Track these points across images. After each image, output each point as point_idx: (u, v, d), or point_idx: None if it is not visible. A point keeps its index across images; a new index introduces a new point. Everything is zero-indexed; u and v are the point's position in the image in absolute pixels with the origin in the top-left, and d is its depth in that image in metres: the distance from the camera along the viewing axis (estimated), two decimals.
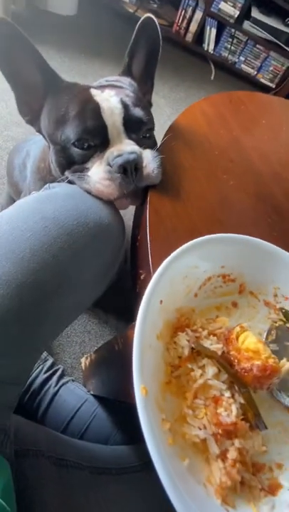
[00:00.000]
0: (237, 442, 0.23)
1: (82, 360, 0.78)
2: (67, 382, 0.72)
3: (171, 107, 1.61)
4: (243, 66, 2.09)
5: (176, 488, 0.18)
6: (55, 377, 0.73)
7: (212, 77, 2.04)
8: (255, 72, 2.08)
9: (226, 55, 2.06)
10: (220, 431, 0.23)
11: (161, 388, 0.24)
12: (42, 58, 0.40)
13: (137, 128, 0.40)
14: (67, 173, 0.41)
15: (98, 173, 0.38)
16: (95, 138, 0.38)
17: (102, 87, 0.40)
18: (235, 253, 0.34)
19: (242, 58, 2.06)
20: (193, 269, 0.31)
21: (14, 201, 0.82)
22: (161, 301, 0.27)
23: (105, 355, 0.52)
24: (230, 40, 2.01)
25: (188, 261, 0.30)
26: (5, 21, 0.35)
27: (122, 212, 0.43)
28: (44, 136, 0.44)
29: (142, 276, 0.36)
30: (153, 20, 0.42)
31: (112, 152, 0.38)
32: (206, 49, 2.02)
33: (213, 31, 1.95)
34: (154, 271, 0.35)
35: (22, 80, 0.41)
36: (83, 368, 0.76)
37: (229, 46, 2.03)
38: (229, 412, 0.24)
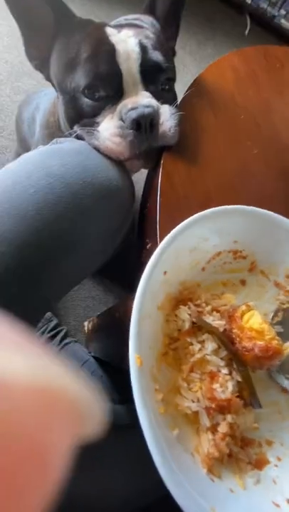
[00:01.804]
0: (229, 417, 0.23)
1: (85, 323, 0.80)
2: (69, 342, 0.75)
3: (198, 65, 1.47)
4: (282, 21, 1.84)
5: (163, 454, 0.18)
6: (58, 338, 0.75)
7: (246, 33, 1.83)
8: None
9: (265, 6, 1.81)
10: (213, 405, 0.23)
11: (157, 358, 0.24)
12: None
13: (155, 77, 0.35)
14: (76, 127, 0.38)
15: (109, 129, 0.34)
16: (108, 86, 0.34)
17: (119, 27, 0.35)
18: (251, 228, 0.31)
19: (283, 12, 1.81)
20: (203, 242, 0.29)
21: None
22: (165, 272, 0.25)
23: (107, 321, 0.52)
24: None
25: (199, 232, 0.28)
26: None
27: (134, 179, 0.40)
28: (53, 85, 0.40)
29: (148, 246, 0.35)
30: None
31: (125, 105, 0.34)
32: None
33: None
34: (161, 241, 0.33)
35: (30, 17, 0.36)
36: (86, 330, 0.78)
37: None
38: (224, 388, 0.23)
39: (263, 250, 0.33)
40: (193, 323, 0.25)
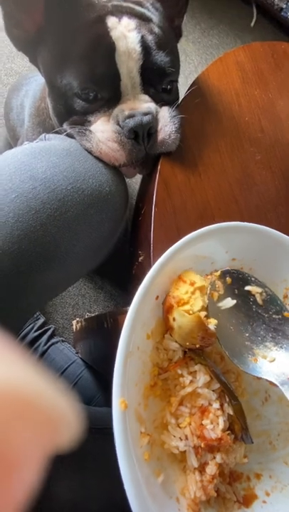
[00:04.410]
0: (218, 457, 0.21)
1: (74, 322, 0.78)
2: (57, 342, 0.73)
3: (200, 55, 1.41)
4: None
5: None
6: (45, 336, 0.73)
7: (252, 24, 1.76)
8: None
9: None
10: (202, 445, 0.21)
11: (144, 393, 0.22)
12: None
13: (157, 80, 0.32)
14: (65, 125, 0.34)
15: (104, 132, 0.31)
16: (104, 89, 0.31)
17: (120, 12, 0.30)
18: (251, 245, 0.29)
19: None
20: (200, 260, 0.27)
21: (11, 147, 0.74)
22: (157, 297, 0.23)
23: (94, 328, 0.50)
24: None
25: (196, 251, 0.26)
26: None
27: (127, 181, 0.37)
28: (40, 72, 0.36)
29: (140, 258, 0.32)
30: None
31: (122, 110, 0.31)
32: None
33: None
34: (154, 254, 0.31)
35: None
36: (74, 330, 0.76)
37: None
38: (215, 424, 0.22)
39: (263, 268, 0.31)
40: (184, 352, 0.23)
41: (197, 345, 0.22)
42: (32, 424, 0.08)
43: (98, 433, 0.49)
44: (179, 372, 0.23)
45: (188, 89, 0.40)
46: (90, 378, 0.66)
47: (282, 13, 1.82)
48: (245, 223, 0.28)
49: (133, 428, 0.19)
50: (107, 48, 0.29)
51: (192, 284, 0.23)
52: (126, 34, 0.29)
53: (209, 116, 0.40)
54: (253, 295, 0.26)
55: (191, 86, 0.40)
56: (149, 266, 0.31)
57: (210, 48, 1.48)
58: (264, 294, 0.26)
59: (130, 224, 0.40)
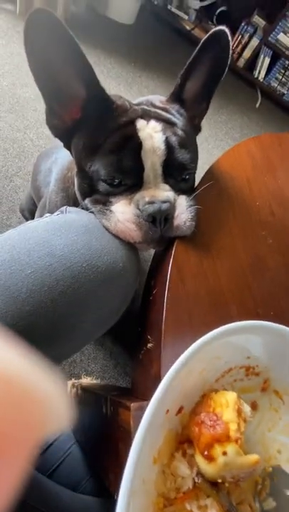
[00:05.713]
0: None
1: (70, 384, 0.73)
2: None
3: (211, 129, 1.57)
4: None
5: None
6: None
7: (257, 105, 2.00)
8: None
9: (275, 85, 2.01)
10: None
11: None
12: (90, 68, 0.33)
13: (178, 173, 0.35)
14: (87, 201, 0.36)
15: (124, 213, 0.33)
16: (128, 178, 0.34)
17: (148, 116, 0.34)
18: (266, 343, 0.28)
19: None
20: (214, 361, 0.25)
21: (34, 201, 0.79)
22: (167, 411, 0.21)
23: (91, 405, 0.46)
24: (283, 71, 1.97)
25: (209, 352, 0.24)
26: (47, 12, 0.28)
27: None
28: (72, 155, 0.39)
29: (149, 345, 0.31)
30: (226, 32, 0.34)
31: (143, 196, 0.33)
32: (255, 76, 1.97)
33: (267, 60, 1.92)
34: (165, 344, 0.29)
35: (57, 88, 0.34)
36: (68, 391, 0.70)
37: (280, 77, 1.99)
38: None
39: (278, 367, 0.29)
40: (194, 480, 0.20)
41: (226, 482, 0.19)
42: (16, 406, 0.08)
43: None
44: (188, 507, 0.19)
45: (203, 176, 0.43)
46: (79, 456, 0.59)
47: (284, 98, 2.07)
48: (262, 322, 0.27)
49: None
50: (134, 145, 0.32)
51: (239, 411, 0.21)
52: (152, 135, 0.33)
53: (222, 201, 0.42)
54: None
55: (207, 173, 0.43)
56: (159, 356, 0.29)
57: (220, 123, 1.65)
58: None
59: (140, 299, 0.39)
